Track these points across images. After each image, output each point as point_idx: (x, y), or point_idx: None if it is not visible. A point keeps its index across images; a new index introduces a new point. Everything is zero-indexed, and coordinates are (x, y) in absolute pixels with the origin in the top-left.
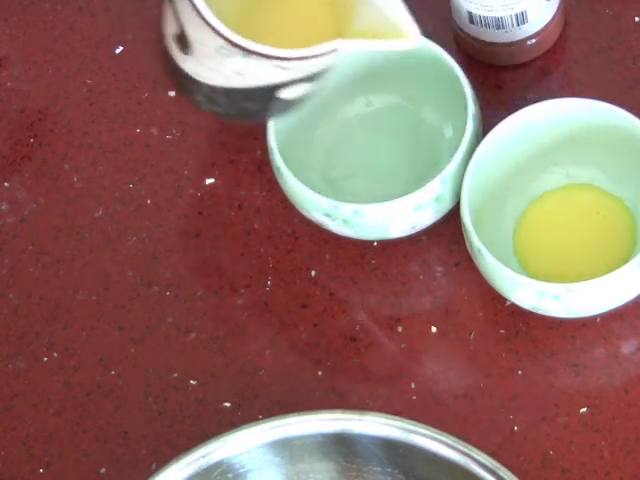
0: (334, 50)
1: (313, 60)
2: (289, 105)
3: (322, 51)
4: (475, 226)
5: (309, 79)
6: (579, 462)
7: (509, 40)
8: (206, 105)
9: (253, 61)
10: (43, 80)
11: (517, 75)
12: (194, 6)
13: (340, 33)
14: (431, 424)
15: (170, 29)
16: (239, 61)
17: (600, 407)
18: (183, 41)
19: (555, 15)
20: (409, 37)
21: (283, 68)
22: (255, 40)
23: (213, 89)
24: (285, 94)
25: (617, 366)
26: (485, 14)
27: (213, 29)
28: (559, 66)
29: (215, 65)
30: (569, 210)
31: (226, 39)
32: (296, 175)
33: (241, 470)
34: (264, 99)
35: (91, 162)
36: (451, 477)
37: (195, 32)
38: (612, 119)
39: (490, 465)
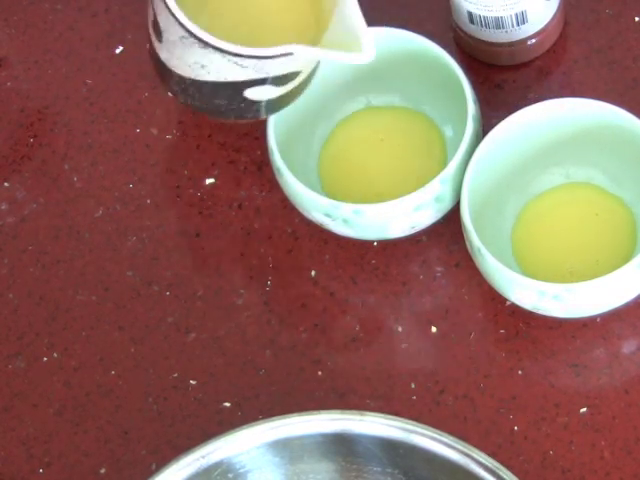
0: (289, 54)
1: (270, 61)
2: (260, 106)
3: (275, 53)
4: (475, 226)
5: (274, 82)
6: (579, 462)
7: (509, 40)
8: (182, 97)
9: (211, 54)
10: (43, 80)
11: (517, 75)
12: None
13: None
14: (431, 424)
15: (149, 16)
16: (199, 53)
17: (600, 407)
18: (157, 28)
19: (555, 15)
20: (365, 51)
21: (240, 66)
22: (222, 35)
23: (183, 80)
24: (251, 94)
25: (617, 366)
26: (485, 14)
27: (173, 16)
28: (559, 66)
29: (180, 54)
30: (569, 210)
31: (183, 27)
32: (296, 175)
33: (241, 470)
34: (230, 96)
35: (91, 162)
36: (451, 477)
37: (163, 19)
38: (612, 119)
39: (490, 465)
